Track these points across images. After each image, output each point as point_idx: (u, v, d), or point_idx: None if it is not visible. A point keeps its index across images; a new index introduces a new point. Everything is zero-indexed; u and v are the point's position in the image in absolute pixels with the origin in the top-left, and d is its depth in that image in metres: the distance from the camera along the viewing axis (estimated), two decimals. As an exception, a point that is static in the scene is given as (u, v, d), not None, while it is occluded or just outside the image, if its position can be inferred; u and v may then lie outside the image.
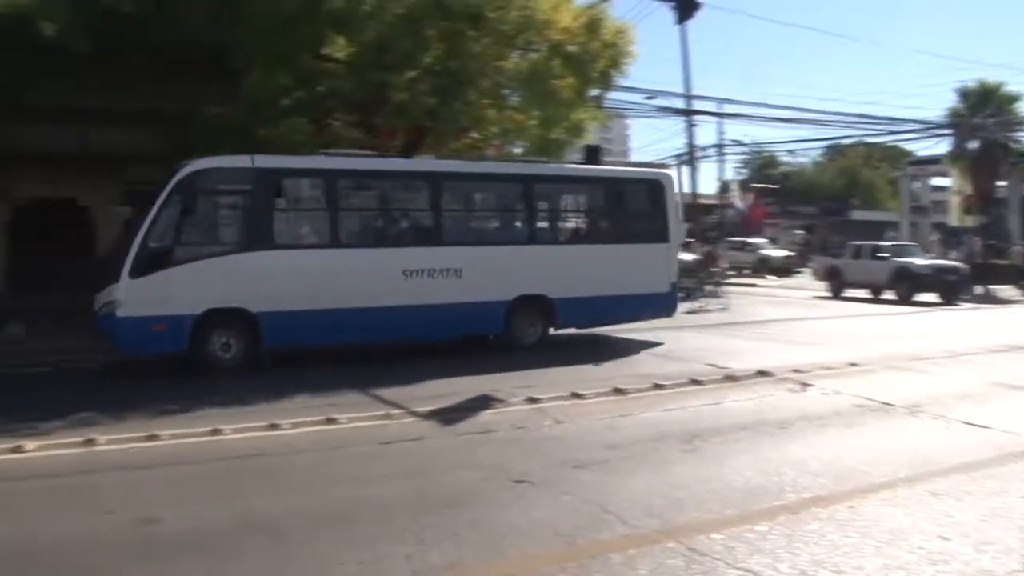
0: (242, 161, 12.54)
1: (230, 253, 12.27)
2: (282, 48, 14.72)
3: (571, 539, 5.24)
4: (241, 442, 7.87)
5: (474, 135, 17.81)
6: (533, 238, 14.80)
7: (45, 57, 15.06)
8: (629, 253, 15.34)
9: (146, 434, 7.98)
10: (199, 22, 15.08)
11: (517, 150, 18.88)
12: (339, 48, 15.98)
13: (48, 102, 16.10)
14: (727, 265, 29.40)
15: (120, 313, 11.58)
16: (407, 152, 17.32)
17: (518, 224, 15.12)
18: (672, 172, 18.22)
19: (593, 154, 18.30)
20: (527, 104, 17.26)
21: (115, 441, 7.82)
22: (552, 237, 15.37)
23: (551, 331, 14.67)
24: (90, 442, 7.74)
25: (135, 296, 11.60)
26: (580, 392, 9.93)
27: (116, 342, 12.04)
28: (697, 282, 23.58)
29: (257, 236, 12.40)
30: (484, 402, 9.66)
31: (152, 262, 11.72)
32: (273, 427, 8.30)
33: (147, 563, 4.95)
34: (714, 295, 21.59)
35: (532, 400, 9.57)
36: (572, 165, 16.73)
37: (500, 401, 9.68)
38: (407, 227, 14.34)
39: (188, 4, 15.05)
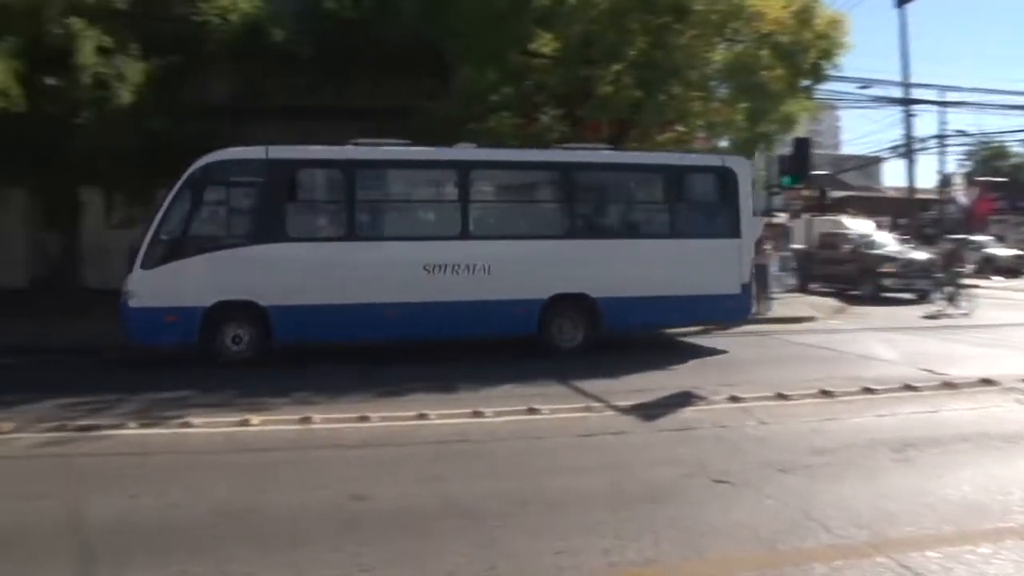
0: (256, 153, 12.45)
1: (240, 245, 12.18)
2: (492, 44, 15.13)
3: (772, 544, 5.11)
4: (446, 427, 8.18)
5: (679, 128, 17.58)
6: (573, 231, 13.52)
7: (275, 61, 16.21)
8: (690, 249, 13.76)
9: (358, 415, 8.47)
10: (415, 22, 15.78)
11: (723, 143, 18.48)
12: (545, 43, 16.22)
13: (278, 103, 17.26)
14: (972, 265, 27.13)
15: (131, 303, 11.84)
16: (613, 145, 17.35)
17: (556, 216, 13.87)
18: (748, 160, 15.34)
19: (802, 147, 17.61)
20: (734, 97, 16.85)
21: (329, 420, 8.36)
22: (597, 230, 13.99)
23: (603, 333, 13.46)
24: (307, 420, 8.30)
25: (146, 287, 11.83)
26: (785, 393, 9.62)
27: (127, 331, 12.10)
28: (933, 284, 21.92)
29: (268, 228, 12.25)
30: (686, 399, 9.56)
31: (163, 253, 11.97)
32: (477, 414, 8.57)
33: (355, 537, 5.23)
34: (955, 299, 19.72)
35: (735, 399, 9.37)
36: (624, 152, 15.08)
37: (702, 399, 9.54)
38: (429, 219, 13.89)
39: (404, 5, 15.78)
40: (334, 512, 5.71)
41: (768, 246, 19.90)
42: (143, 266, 11.91)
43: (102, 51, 14.21)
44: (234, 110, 16.91)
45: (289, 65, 16.57)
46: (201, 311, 11.85)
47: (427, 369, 11.75)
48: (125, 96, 14.43)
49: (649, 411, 8.94)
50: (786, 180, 21.32)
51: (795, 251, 25.41)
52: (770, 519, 5.52)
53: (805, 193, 28.55)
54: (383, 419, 8.43)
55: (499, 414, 8.63)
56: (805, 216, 29.13)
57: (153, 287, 11.82)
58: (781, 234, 24.93)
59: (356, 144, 12.96)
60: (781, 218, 28.01)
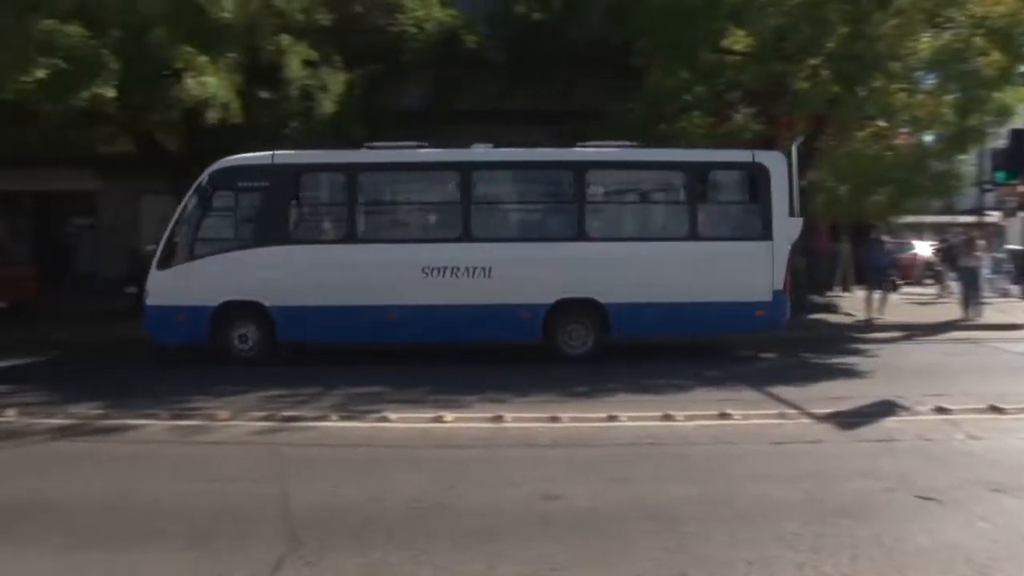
0: (262, 159, 12.75)
1: (246, 248, 12.53)
2: (682, 43, 14.86)
3: (985, 571, 4.71)
4: (637, 430, 8.08)
5: (880, 123, 16.67)
6: (581, 234, 12.80)
7: (468, 67, 16.64)
8: (713, 252, 12.77)
9: (549, 415, 8.50)
10: (602, 22, 15.77)
11: (928, 138, 17.35)
12: (737, 40, 15.78)
13: (471, 108, 17.70)
14: None
15: (148, 302, 12.48)
16: (808, 143, 16.68)
17: (561, 218, 13.24)
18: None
19: (1019, 140, 16.27)
20: (941, 87, 15.77)
21: (520, 420, 8.45)
22: (606, 232, 13.14)
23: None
24: (498, 419, 8.41)
25: (161, 287, 12.42)
26: (999, 406, 8.87)
27: (147, 328, 12.67)
28: None
29: (272, 231, 12.55)
30: (887, 408, 9.02)
31: (176, 255, 12.53)
32: (667, 418, 8.43)
33: (545, 536, 5.24)
34: None
35: (942, 410, 8.75)
36: (640, 148, 13.56)
37: (905, 408, 8.98)
38: (428, 221, 13.71)
39: (591, 6, 15.80)
40: (525, 510, 5.75)
41: (980, 247, 18.63)
42: (159, 267, 12.63)
43: (308, 64, 15.06)
44: (429, 116, 17.47)
45: (482, 70, 17.00)
46: (210, 311, 12.37)
47: (618, 369, 11.66)
48: (328, 106, 15.25)
49: (847, 420, 8.52)
50: (1000, 175, 19.73)
51: (1010, 252, 23.62)
52: (984, 542, 5.10)
53: (1021, 189, 26.45)
54: (573, 419, 8.44)
55: (690, 418, 8.45)
56: (1021, 214, 27.00)
57: (167, 287, 12.45)
58: (994, 234, 23.25)
59: (370, 147, 13.03)
60: (994, 217, 26.13)
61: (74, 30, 12.84)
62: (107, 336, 14.94)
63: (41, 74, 12.56)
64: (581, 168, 12.96)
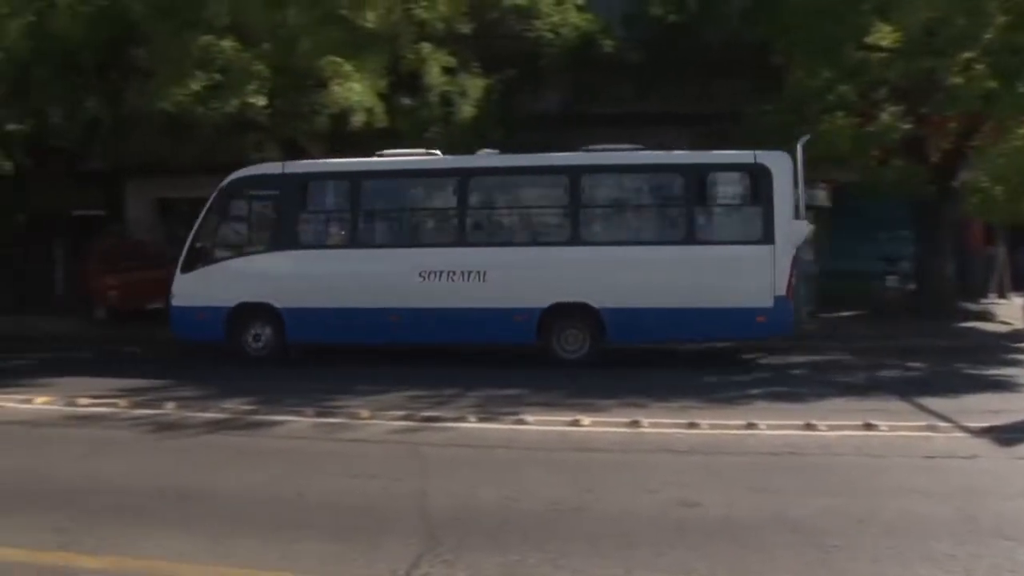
0: (273, 168, 13.65)
1: (258, 252, 13.47)
2: (824, 40, 14.41)
3: None
4: (776, 438, 7.88)
5: (1042, 120, 15.69)
6: (575, 238, 12.76)
7: (604, 70, 16.64)
8: (710, 257, 12.48)
9: (687, 422, 8.42)
10: (740, 22, 15.45)
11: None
12: (883, 35, 15.17)
13: (607, 111, 17.68)
14: None
15: (173, 303, 13.57)
16: (960, 141, 15.89)
17: (555, 222, 13.24)
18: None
19: None
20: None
21: (657, 425, 8.37)
22: (600, 236, 13.03)
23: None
24: (635, 424, 8.36)
25: (184, 288, 13.46)
26: None
27: (172, 327, 13.73)
28: None
29: (281, 237, 13.36)
30: (1049, 422, 8.51)
31: (196, 259, 13.50)
32: (809, 427, 8.19)
33: (683, 543, 5.18)
34: None
35: (1112, 427, 8.19)
36: (638, 151, 13.23)
37: (1070, 424, 8.45)
38: (425, 227, 13.98)
39: (728, 5, 15.51)
40: (662, 516, 5.71)
41: None
42: (182, 271, 13.63)
43: (447, 71, 15.39)
44: (565, 119, 17.55)
45: (618, 73, 16.95)
46: (226, 311, 13.26)
47: (757, 376, 11.42)
48: (467, 111, 15.55)
49: (1006, 435, 8.04)
50: None
51: None
52: None
53: None
54: (712, 426, 8.31)
55: (833, 428, 8.18)
56: None
57: (189, 289, 13.47)
58: None
59: (381, 155, 13.40)
60: None
61: (228, 44, 13.55)
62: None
63: (197, 86, 13.31)
64: (575, 172, 12.99)
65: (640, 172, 13.38)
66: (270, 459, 7.46)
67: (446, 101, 15.69)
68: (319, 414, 9.05)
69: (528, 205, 13.77)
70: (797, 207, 12.39)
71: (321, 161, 14.36)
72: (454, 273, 12.78)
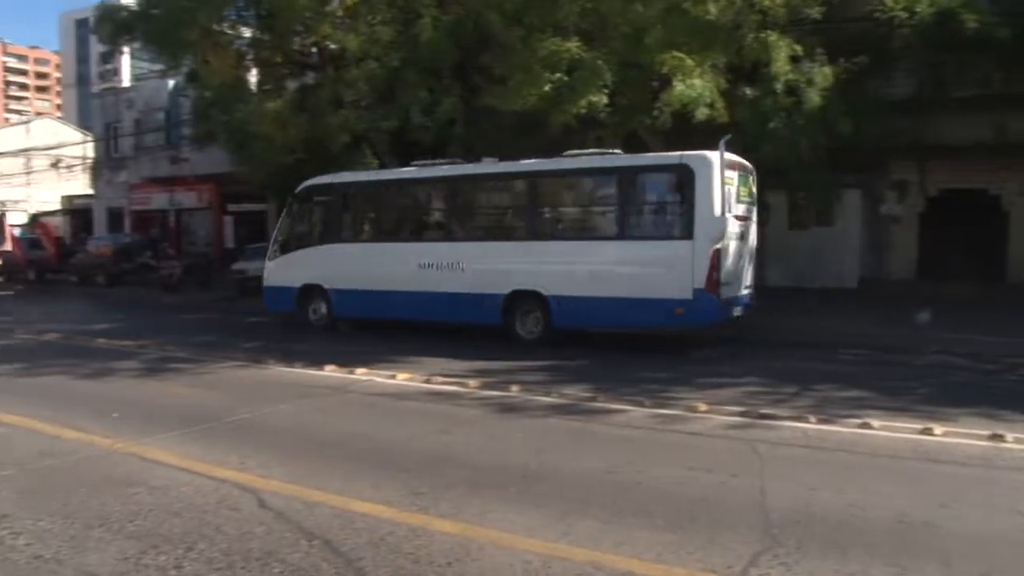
0: (328, 179, 17.09)
1: (315, 245, 17.05)
2: None
3: None
4: None
5: None
6: (530, 234, 14.70)
7: (963, 50, 15.26)
8: (636, 251, 13.59)
9: (1061, 438, 7.56)
10: None
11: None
12: None
13: (964, 94, 16.24)
14: None
15: (265, 284, 17.89)
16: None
17: (517, 220, 15.35)
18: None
19: None
20: None
21: (1022, 441, 7.58)
22: (548, 233, 14.68)
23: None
24: (997, 437, 7.63)
25: (271, 272, 17.74)
26: None
27: (265, 302, 18.02)
28: None
29: (329, 233, 16.96)
30: None
31: (278, 250, 17.67)
32: None
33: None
34: None
35: None
36: (582, 156, 14.44)
37: None
38: (423, 225, 16.88)
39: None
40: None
41: None
42: (269, 259, 17.84)
43: (792, 59, 14.86)
44: (915, 105, 16.34)
45: (980, 53, 15.44)
46: (295, 290, 17.09)
47: None
48: (813, 100, 14.90)
49: None
50: None
51: None
52: None
53: None
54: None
55: None
56: None
57: (274, 273, 17.62)
58: None
59: (418, 165, 16.27)
60: None
61: (574, 45, 14.11)
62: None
63: (547, 87, 13.99)
64: (530, 177, 14.89)
65: (581, 175, 14.74)
66: (609, 445, 7.71)
67: (791, 91, 15.16)
68: (656, 405, 9.21)
69: (495, 206, 16.27)
70: (720, 204, 12.71)
71: (356, 172, 17.82)
72: (442, 264, 15.29)
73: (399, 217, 17.27)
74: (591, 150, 14.88)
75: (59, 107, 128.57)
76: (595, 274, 13.82)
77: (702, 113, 14.04)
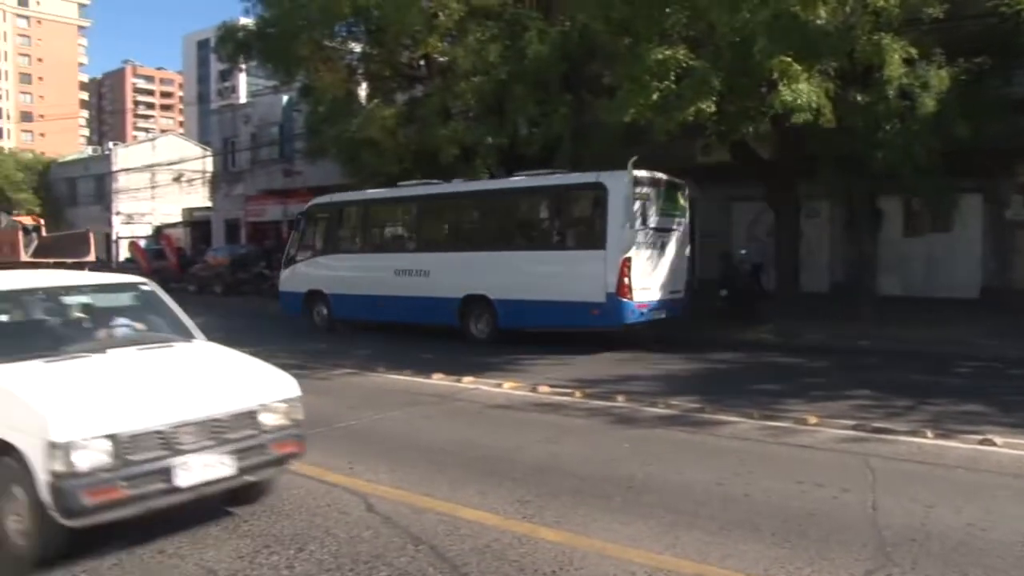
0: (328, 198, 20.07)
1: (317, 256, 19.52)
2: None
3: None
4: None
5: None
6: (480, 245, 16.76)
7: None
8: (560, 260, 15.64)
9: None
10: None
11: None
12: None
13: None
14: None
15: (280, 289, 20.75)
16: None
17: (469, 233, 17.77)
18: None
19: None
20: None
21: None
22: (491, 245, 16.55)
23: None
24: None
25: (284, 280, 20.33)
26: None
27: (280, 304, 20.91)
28: None
29: (327, 246, 19.49)
30: None
31: (289, 260, 20.15)
32: None
33: None
34: None
35: None
36: (523, 177, 16.75)
37: None
38: (398, 237, 19.22)
39: None
40: None
41: None
42: (283, 268, 20.42)
43: (906, 62, 14.37)
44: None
45: None
46: (302, 295, 19.53)
47: None
48: (928, 104, 14.36)
49: None
50: None
51: None
52: None
53: None
54: None
55: None
56: None
57: (286, 280, 20.20)
58: None
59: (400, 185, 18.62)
60: None
61: (681, 54, 13.99)
62: (696, 335, 16.10)
63: (656, 97, 13.91)
64: (479, 195, 17.61)
65: (519, 194, 16.90)
66: (717, 457, 7.62)
67: (904, 95, 14.64)
68: (765, 417, 9.04)
69: (451, 221, 18.44)
70: (630, 218, 14.51)
71: (348, 193, 20.04)
72: (412, 272, 17.44)
73: (381, 231, 19.72)
74: (537, 171, 16.57)
75: (181, 124, 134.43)
76: (531, 280, 15.55)
77: (802, 118, 13.69)
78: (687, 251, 16.50)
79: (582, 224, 16.10)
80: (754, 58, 13.75)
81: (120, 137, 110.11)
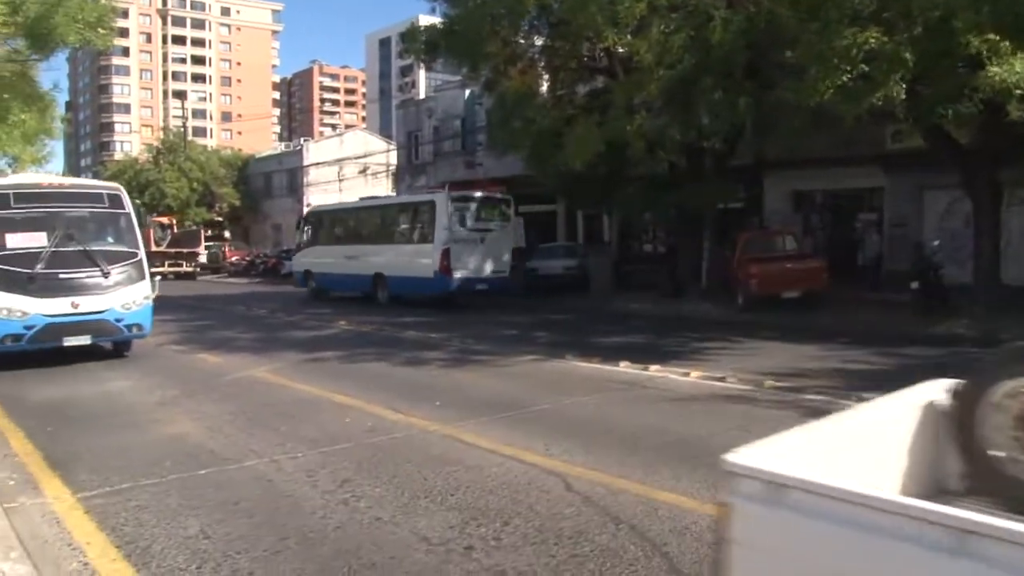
0: (316, 207, 34.21)
1: (311, 246, 29.85)
2: None
3: None
4: None
5: None
6: (379, 240, 26.44)
7: None
8: (416, 250, 24.35)
9: None
10: None
11: None
12: None
13: None
14: None
15: (292, 269, 32.28)
16: None
17: (374, 233, 27.18)
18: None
19: None
20: None
21: None
22: (386, 240, 26.26)
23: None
24: None
25: (294, 262, 31.69)
26: None
27: (295, 281, 31.45)
28: None
29: (315, 240, 29.83)
30: None
31: (298, 249, 31.05)
32: None
33: None
34: None
35: None
36: (403, 196, 35.34)
37: None
38: (347, 234, 28.66)
39: None
40: None
41: None
42: (294, 253, 31.83)
43: None
44: None
45: None
46: (302, 272, 30.06)
47: None
48: None
49: None
50: None
51: None
52: None
53: None
54: None
55: None
56: None
57: (295, 262, 31.25)
58: None
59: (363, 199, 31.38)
60: None
61: (872, 35, 13.35)
62: (884, 327, 15.48)
63: (842, 80, 13.40)
64: (378, 207, 29.00)
65: (398, 206, 28.56)
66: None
67: None
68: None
69: (368, 224, 27.99)
70: (452, 224, 23.30)
71: (324, 204, 33.17)
72: (352, 257, 26.74)
73: (340, 230, 29.36)
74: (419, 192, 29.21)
75: (363, 119, 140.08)
76: (403, 263, 24.48)
77: (1017, 109, 12.79)
78: (511, 245, 24.97)
79: (425, 227, 24.37)
80: (955, 36, 12.96)
81: (308, 133, 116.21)
